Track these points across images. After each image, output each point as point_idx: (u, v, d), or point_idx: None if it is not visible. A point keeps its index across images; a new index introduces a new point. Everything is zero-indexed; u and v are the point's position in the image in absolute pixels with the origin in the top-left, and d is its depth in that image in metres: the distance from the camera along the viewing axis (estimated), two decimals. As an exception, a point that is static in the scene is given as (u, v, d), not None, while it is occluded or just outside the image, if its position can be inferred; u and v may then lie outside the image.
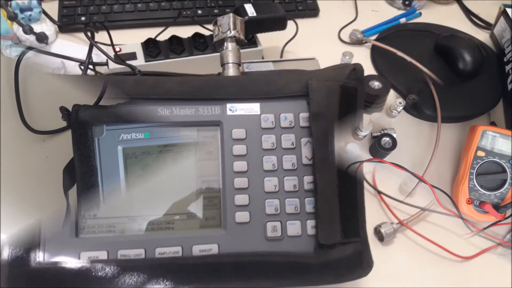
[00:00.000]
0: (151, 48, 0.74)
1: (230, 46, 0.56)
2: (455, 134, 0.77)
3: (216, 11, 0.91)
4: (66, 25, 0.85)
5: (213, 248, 0.49)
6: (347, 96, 0.52)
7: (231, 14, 0.56)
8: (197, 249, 0.49)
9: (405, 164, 0.68)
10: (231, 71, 0.55)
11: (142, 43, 0.75)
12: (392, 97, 0.80)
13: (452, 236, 0.64)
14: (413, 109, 0.79)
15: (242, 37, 0.56)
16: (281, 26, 0.76)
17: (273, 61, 0.73)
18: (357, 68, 0.53)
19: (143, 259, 0.49)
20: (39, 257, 0.47)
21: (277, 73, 0.58)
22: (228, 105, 0.52)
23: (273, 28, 0.76)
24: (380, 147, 0.70)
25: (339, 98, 0.52)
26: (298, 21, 0.86)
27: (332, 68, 0.55)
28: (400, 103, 0.75)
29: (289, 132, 0.52)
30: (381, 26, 0.94)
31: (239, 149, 0.51)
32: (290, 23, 0.77)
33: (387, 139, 0.71)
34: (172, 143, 0.52)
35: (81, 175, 0.51)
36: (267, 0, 0.79)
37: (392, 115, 0.77)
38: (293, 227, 0.51)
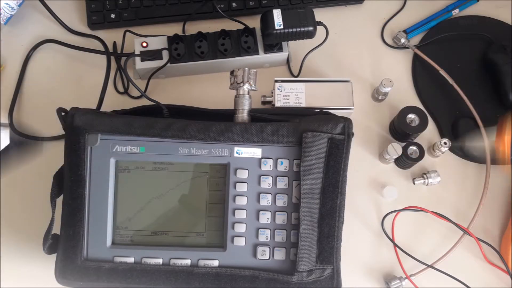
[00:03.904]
0: (176, 45, 0.79)
1: (242, 95, 0.66)
2: (507, 178, 0.78)
3: (252, 3, 0.87)
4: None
5: (215, 263, 0.63)
6: (335, 149, 0.63)
7: (246, 69, 0.65)
8: (202, 263, 0.63)
9: (449, 211, 0.76)
10: (240, 117, 0.66)
11: (168, 37, 0.80)
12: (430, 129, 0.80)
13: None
14: (458, 148, 0.78)
15: (254, 88, 0.66)
16: (309, 36, 0.78)
17: (305, 81, 0.76)
18: (347, 125, 0.63)
19: (160, 266, 0.63)
20: (84, 257, 0.63)
21: (285, 117, 0.67)
22: (236, 148, 0.64)
23: (301, 38, 0.79)
24: (406, 157, 0.74)
25: (327, 153, 0.63)
26: (340, 9, 0.87)
27: (325, 119, 0.64)
28: (445, 143, 0.74)
29: (283, 175, 0.64)
30: (430, 23, 0.87)
31: (241, 186, 0.64)
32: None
33: (414, 148, 0.73)
34: (169, 161, 0.64)
35: (69, 184, 0.63)
36: (298, 9, 0.78)
37: (435, 155, 0.78)
38: (279, 253, 0.64)
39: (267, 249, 0.64)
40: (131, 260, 0.63)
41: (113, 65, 0.84)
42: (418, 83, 0.84)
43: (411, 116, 0.76)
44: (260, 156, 0.64)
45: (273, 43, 0.81)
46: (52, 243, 0.64)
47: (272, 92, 0.76)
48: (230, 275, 0.63)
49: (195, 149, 0.64)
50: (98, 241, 0.64)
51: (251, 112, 0.67)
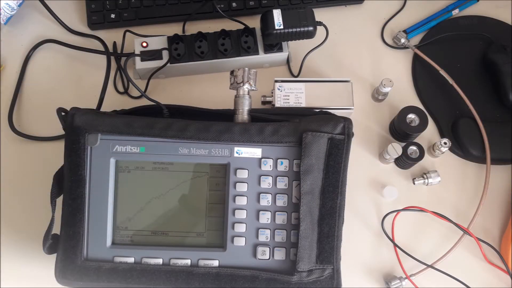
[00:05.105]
0: (176, 45, 0.80)
1: (242, 95, 0.66)
2: (507, 178, 0.79)
3: (251, 3, 0.87)
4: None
5: (215, 263, 0.63)
6: (335, 149, 0.63)
7: (246, 69, 0.65)
8: (202, 263, 0.63)
9: (449, 211, 0.76)
10: (240, 117, 0.66)
11: (168, 37, 0.80)
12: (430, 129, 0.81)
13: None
14: (457, 148, 0.78)
15: (254, 88, 0.66)
16: (309, 36, 0.79)
17: (305, 81, 0.76)
18: (347, 125, 0.63)
19: (160, 266, 0.63)
20: (84, 257, 0.63)
21: (285, 117, 0.67)
22: (236, 148, 0.64)
23: (300, 38, 0.79)
24: (406, 157, 0.74)
25: (327, 153, 0.62)
26: (340, 9, 0.88)
27: (325, 119, 0.64)
28: (445, 143, 0.74)
29: (283, 175, 0.64)
30: (430, 23, 0.87)
31: (241, 186, 0.64)
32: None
33: (414, 148, 0.74)
34: (169, 161, 0.64)
35: (69, 184, 0.63)
36: (298, 9, 0.78)
37: (435, 155, 0.78)
38: (279, 253, 0.64)
39: (267, 249, 0.63)
40: (131, 260, 0.63)
41: (113, 65, 0.84)
42: (418, 83, 0.84)
43: (411, 116, 0.76)
44: (260, 156, 0.64)
45: (273, 43, 0.81)
46: (52, 243, 0.64)
47: (272, 92, 0.76)
48: (230, 275, 0.62)
49: (195, 149, 0.64)
50: (98, 241, 0.64)
51: (251, 112, 0.67)
